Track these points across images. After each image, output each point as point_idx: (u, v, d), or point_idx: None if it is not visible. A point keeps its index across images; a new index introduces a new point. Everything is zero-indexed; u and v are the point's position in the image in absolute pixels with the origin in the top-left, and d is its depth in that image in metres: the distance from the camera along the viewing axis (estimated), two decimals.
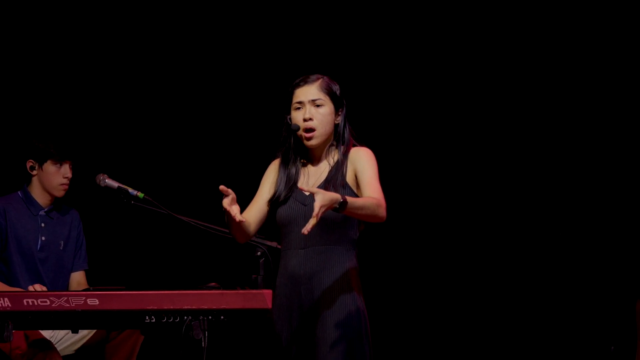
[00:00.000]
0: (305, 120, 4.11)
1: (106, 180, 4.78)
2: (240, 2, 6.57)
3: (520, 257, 6.56)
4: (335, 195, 3.85)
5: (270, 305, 4.16)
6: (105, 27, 6.43)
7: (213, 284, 4.50)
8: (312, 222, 3.79)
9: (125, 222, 6.27)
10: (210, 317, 4.20)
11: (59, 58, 6.37)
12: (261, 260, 4.27)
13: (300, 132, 4.13)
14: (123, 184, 4.76)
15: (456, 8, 6.59)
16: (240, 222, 4.00)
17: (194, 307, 4.18)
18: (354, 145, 4.20)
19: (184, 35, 6.53)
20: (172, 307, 4.18)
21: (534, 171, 6.57)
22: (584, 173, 6.50)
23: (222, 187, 3.93)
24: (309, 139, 4.13)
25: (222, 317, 4.22)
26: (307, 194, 4.09)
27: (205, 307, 4.19)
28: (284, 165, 4.21)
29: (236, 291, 4.21)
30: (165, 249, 6.43)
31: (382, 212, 4.00)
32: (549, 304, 6.52)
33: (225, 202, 3.95)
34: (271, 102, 6.57)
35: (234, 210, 3.96)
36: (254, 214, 4.18)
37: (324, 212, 3.81)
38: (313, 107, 4.12)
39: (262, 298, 4.17)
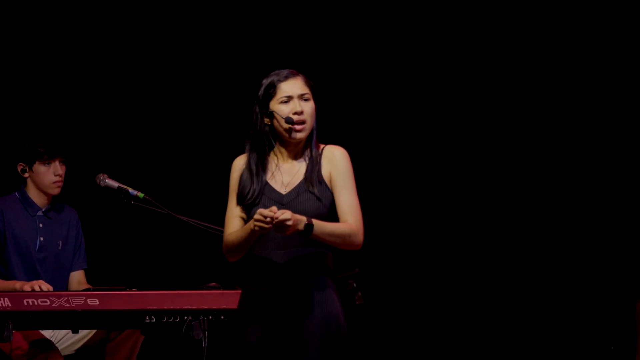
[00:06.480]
0: (297, 113, 3.97)
1: (106, 180, 4.77)
2: (237, 3, 6.57)
3: (521, 257, 6.55)
4: (301, 218, 3.78)
5: None
6: (104, 25, 6.42)
7: (213, 284, 4.50)
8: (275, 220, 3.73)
9: (125, 222, 6.26)
10: (210, 317, 4.20)
11: (57, 56, 6.35)
12: None
13: (291, 125, 3.97)
14: (123, 184, 4.76)
15: (452, 6, 6.60)
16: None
17: (194, 307, 4.18)
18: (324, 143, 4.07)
19: (183, 34, 6.53)
20: (172, 307, 4.18)
21: (534, 171, 6.57)
22: (584, 173, 6.50)
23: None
24: (300, 131, 3.97)
25: (222, 317, 4.22)
26: (283, 192, 3.96)
27: (206, 307, 4.19)
28: (255, 158, 4.06)
29: (236, 291, 4.20)
30: (165, 249, 6.42)
31: (357, 240, 3.91)
32: (549, 304, 6.52)
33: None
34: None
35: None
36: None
37: (285, 231, 3.75)
38: (302, 101, 4.00)
39: None
